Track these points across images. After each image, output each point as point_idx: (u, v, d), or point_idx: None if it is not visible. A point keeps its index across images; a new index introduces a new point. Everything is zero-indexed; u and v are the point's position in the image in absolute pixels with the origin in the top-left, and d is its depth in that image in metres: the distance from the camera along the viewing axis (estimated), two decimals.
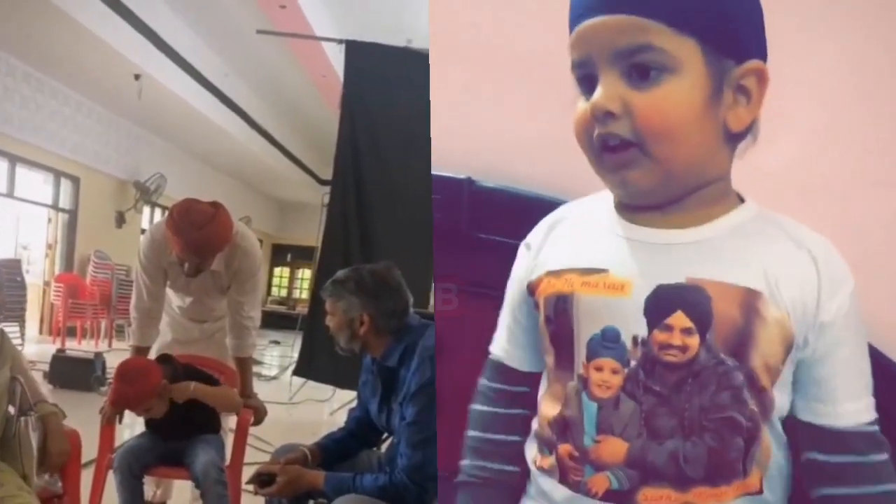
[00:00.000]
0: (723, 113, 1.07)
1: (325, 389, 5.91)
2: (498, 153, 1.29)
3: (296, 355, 5.64)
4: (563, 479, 1.17)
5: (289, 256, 18.38)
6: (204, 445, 2.45)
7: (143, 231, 10.29)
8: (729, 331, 1.05)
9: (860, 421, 1.10)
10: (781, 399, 1.11)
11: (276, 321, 12.62)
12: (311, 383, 5.72)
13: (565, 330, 1.13)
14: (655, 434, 1.09)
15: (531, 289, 1.19)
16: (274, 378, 7.79)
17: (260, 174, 13.65)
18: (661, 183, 1.07)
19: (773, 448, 1.12)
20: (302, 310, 10.85)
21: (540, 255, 1.20)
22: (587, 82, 1.07)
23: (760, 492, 1.11)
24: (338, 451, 2.25)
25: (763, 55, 1.08)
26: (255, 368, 6.08)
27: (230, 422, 2.90)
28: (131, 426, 3.60)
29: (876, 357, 1.14)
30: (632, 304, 1.07)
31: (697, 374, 1.06)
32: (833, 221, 1.20)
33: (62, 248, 9.45)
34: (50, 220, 9.37)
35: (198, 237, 2.48)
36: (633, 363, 1.09)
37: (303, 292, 18.30)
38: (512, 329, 1.26)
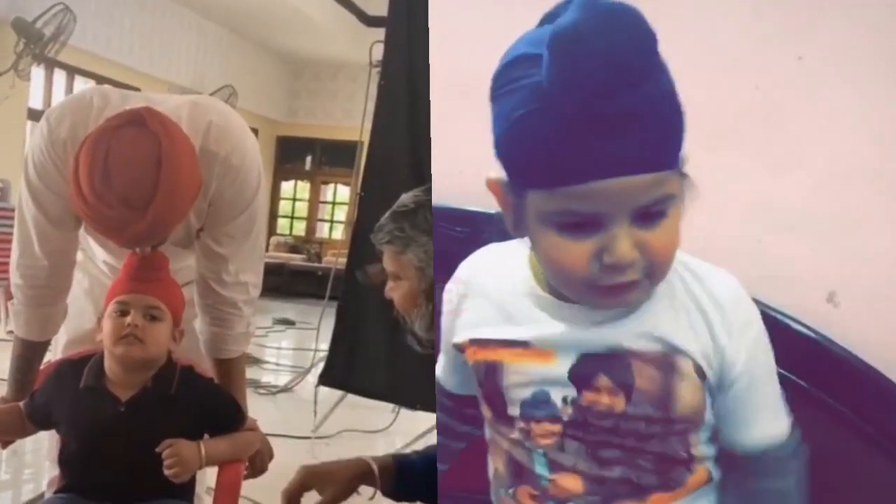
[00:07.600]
0: None
1: (378, 411, 4.00)
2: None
3: (324, 348, 3.98)
4: None
5: (308, 161, 11.62)
6: None
7: (32, 115, 6.88)
8: (652, 392, 1.14)
9: (764, 445, 1.18)
10: (709, 418, 1.21)
11: (286, 283, 8.70)
12: (353, 399, 3.92)
13: (496, 392, 1.22)
14: (604, 463, 1.17)
15: (458, 348, 1.26)
16: (285, 390, 5.14)
17: (253, 9, 8.49)
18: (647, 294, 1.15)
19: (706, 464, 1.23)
20: (334, 260, 6.75)
21: (458, 319, 1.26)
22: (575, 227, 1.06)
23: (710, 479, 1.22)
24: (427, 472, 1.46)
25: None
26: (251, 372, 4.24)
27: (208, 475, 1.86)
28: (34, 478, 2.71)
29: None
30: (557, 370, 1.16)
31: (628, 418, 1.15)
32: (849, 255, 1.37)
33: None
34: None
35: (145, 227, 1.51)
36: (568, 413, 1.18)
37: (335, 228, 11.86)
38: (447, 356, 1.33)
